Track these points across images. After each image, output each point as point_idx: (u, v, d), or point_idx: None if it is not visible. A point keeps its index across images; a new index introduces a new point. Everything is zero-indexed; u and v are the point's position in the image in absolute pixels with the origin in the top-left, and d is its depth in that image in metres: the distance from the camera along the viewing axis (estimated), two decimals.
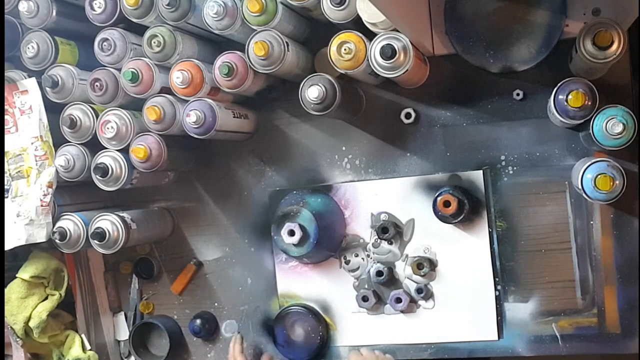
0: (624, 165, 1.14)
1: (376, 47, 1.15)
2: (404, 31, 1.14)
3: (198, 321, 1.42)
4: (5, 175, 1.35)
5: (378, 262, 1.34)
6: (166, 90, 1.27)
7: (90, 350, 1.45)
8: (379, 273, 1.32)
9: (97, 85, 1.28)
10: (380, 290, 1.34)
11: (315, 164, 1.38)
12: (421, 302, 1.32)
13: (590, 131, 1.12)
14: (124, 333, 1.50)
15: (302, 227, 1.28)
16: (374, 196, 1.34)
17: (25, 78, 1.34)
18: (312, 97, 1.18)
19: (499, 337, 1.29)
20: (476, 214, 1.28)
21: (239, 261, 1.44)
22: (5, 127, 1.35)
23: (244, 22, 1.22)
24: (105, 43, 1.28)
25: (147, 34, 1.26)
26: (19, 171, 1.34)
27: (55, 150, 1.31)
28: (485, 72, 1.24)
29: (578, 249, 1.25)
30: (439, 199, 1.26)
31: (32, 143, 1.33)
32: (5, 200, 1.34)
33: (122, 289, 1.51)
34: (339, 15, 1.20)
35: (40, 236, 1.29)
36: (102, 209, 1.36)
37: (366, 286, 1.35)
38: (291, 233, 1.28)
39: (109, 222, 1.28)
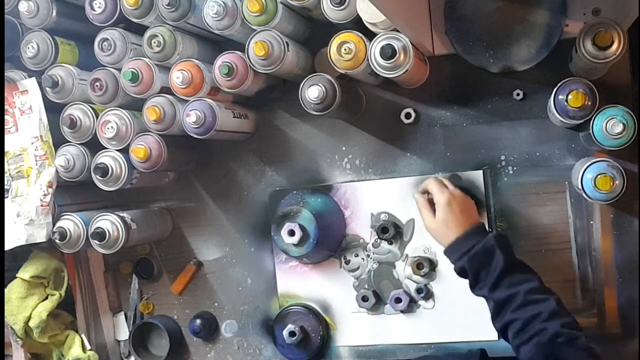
0: (624, 165, 1.14)
1: (376, 47, 1.15)
2: (404, 31, 1.14)
3: (198, 321, 1.42)
4: (5, 175, 1.35)
5: (377, 262, 1.34)
6: (166, 90, 1.27)
7: (90, 350, 1.45)
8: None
9: (97, 85, 1.28)
10: (380, 290, 1.34)
11: (315, 164, 1.38)
12: (421, 302, 1.32)
13: (590, 131, 1.12)
14: (124, 333, 1.50)
15: (302, 227, 1.28)
16: (374, 196, 1.34)
17: (25, 78, 1.35)
18: (312, 97, 1.18)
19: (499, 337, 1.28)
20: None
21: (239, 261, 1.44)
22: (5, 127, 1.35)
23: (244, 22, 1.22)
24: (105, 43, 1.28)
25: (147, 34, 1.26)
26: (19, 171, 1.34)
27: (55, 150, 1.31)
28: (485, 72, 1.24)
29: (578, 249, 1.25)
30: None
31: (32, 143, 1.33)
32: (5, 200, 1.34)
33: (122, 289, 1.51)
34: (339, 15, 1.20)
35: (40, 236, 1.29)
36: (102, 209, 1.36)
37: (366, 286, 1.35)
38: (291, 233, 1.29)
39: (109, 222, 1.28)
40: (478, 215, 1.17)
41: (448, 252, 1.12)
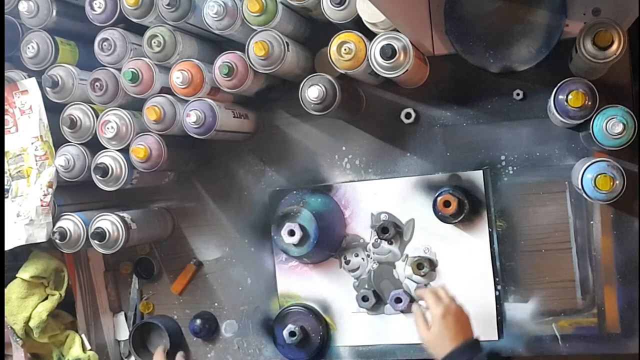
0: (624, 165, 1.14)
1: (376, 47, 1.15)
2: (404, 31, 1.14)
3: (198, 321, 1.42)
4: (5, 175, 1.35)
5: (377, 262, 1.34)
6: (166, 90, 1.27)
7: (90, 350, 1.45)
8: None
9: (97, 85, 1.28)
10: (380, 290, 1.34)
11: (315, 164, 1.38)
12: (421, 302, 1.32)
13: (590, 131, 1.12)
14: (124, 333, 1.50)
15: (302, 227, 1.28)
16: (374, 196, 1.34)
17: (25, 78, 1.34)
18: (312, 97, 1.18)
19: (499, 337, 1.29)
20: (476, 214, 1.28)
21: (239, 261, 1.44)
22: (5, 127, 1.35)
23: (244, 22, 1.22)
24: (105, 43, 1.28)
25: (147, 34, 1.26)
26: (19, 171, 1.34)
27: (55, 150, 1.31)
28: (485, 72, 1.24)
29: (578, 249, 1.25)
30: (439, 199, 1.26)
31: (32, 143, 1.33)
32: (5, 200, 1.34)
33: (122, 289, 1.51)
34: (339, 15, 1.20)
35: (40, 236, 1.29)
36: (102, 209, 1.36)
37: (366, 286, 1.35)
38: (291, 233, 1.28)
39: (109, 222, 1.28)
40: (472, 329, 1.15)
41: None
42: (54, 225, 1.30)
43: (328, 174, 1.38)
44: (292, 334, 1.34)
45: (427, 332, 1.15)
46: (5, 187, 1.35)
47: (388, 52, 1.13)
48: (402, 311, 1.32)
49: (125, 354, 1.50)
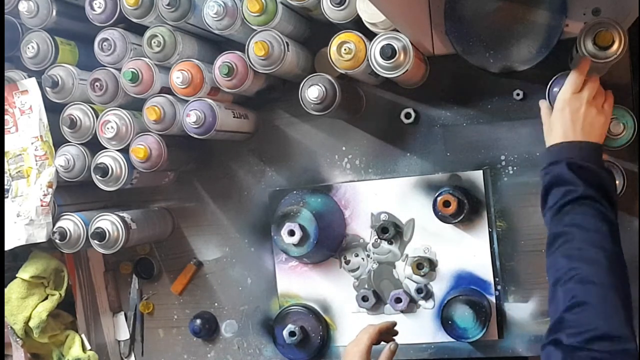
0: (624, 165, 1.14)
1: (376, 47, 1.15)
2: (404, 31, 1.14)
3: (198, 321, 1.42)
4: (5, 175, 1.35)
5: (377, 262, 1.34)
6: (166, 90, 1.27)
7: (90, 350, 1.45)
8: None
9: (97, 85, 1.28)
10: (380, 290, 1.34)
11: (315, 164, 1.38)
12: (421, 302, 1.32)
13: None
14: (124, 333, 1.50)
15: (302, 227, 1.28)
16: (374, 196, 1.34)
17: (25, 78, 1.34)
18: (312, 97, 1.18)
19: (499, 337, 1.29)
20: (476, 214, 1.28)
21: (239, 261, 1.44)
22: (5, 127, 1.35)
23: (244, 22, 1.22)
24: (105, 43, 1.28)
25: (147, 34, 1.26)
26: (19, 171, 1.34)
27: (55, 150, 1.31)
28: (485, 72, 1.24)
29: None
30: (439, 199, 1.26)
31: (32, 143, 1.34)
32: (5, 200, 1.34)
33: (122, 289, 1.51)
34: (339, 15, 1.20)
35: (40, 236, 1.29)
36: (102, 209, 1.36)
37: (366, 286, 1.35)
38: (291, 233, 1.29)
39: (109, 222, 1.28)
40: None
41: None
42: (54, 225, 1.30)
43: (328, 174, 1.38)
44: (292, 334, 1.34)
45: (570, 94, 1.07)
46: (5, 187, 1.35)
47: (388, 52, 1.13)
48: (402, 311, 1.32)
49: (125, 353, 1.50)
